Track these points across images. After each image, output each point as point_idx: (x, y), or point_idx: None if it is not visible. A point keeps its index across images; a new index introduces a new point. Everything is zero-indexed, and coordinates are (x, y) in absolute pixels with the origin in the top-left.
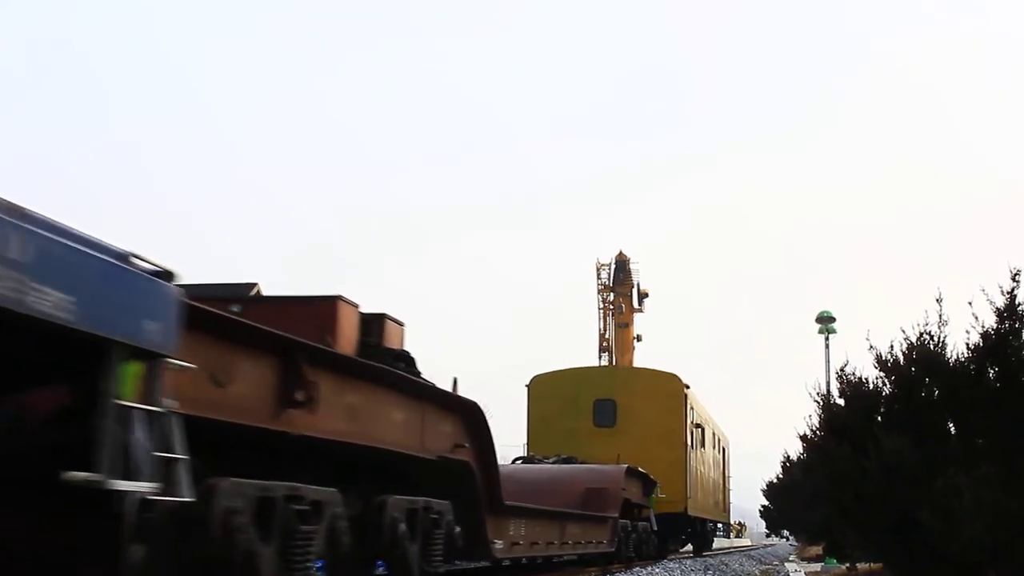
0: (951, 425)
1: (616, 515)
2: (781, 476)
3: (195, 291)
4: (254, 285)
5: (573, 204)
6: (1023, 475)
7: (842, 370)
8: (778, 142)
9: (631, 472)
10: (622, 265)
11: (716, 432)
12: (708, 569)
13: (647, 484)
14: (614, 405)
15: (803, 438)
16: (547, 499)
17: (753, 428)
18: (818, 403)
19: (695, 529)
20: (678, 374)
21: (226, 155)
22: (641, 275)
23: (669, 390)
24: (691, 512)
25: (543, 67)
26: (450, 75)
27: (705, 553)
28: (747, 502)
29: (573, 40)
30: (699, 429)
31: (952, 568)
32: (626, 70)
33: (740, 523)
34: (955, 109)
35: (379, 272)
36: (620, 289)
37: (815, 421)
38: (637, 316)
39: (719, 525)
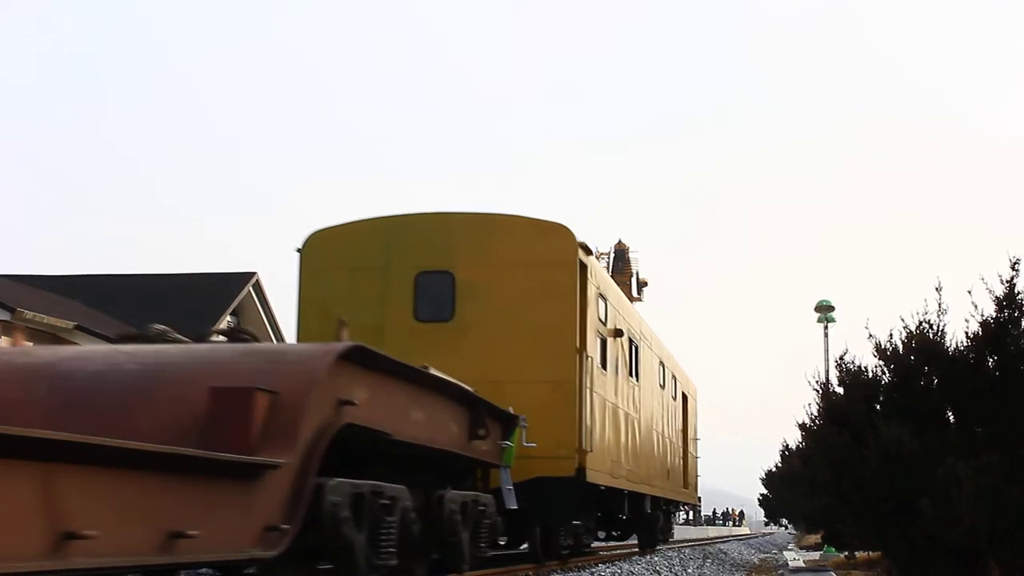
0: (950, 414)
1: (297, 461)
2: (780, 465)
3: (194, 280)
4: (253, 274)
5: (571, 199)
6: (1023, 463)
7: (841, 359)
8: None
9: (449, 389)
10: (621, 254)
11: (666, 363)
12: (707, 558)
13: (500, 422)
14: (451, 282)
15: (802, 427)
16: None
17: (753, 415)
18: (817, 392)
19: (639, 512)
20: (570, 227)
21: (231, 150)
22: (640, 264)
23: (551, 256)
24: (594, 477)
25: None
26: (450, 72)
27: (668, 547)
28: (746, 491)
29: (572, 39)
30: (620, 338)
31: (951, 556)
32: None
33: (740, 511)
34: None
35: None
36: (619, 278)
37: (814, 410)
38: (636, 305)
39: (683, 507)
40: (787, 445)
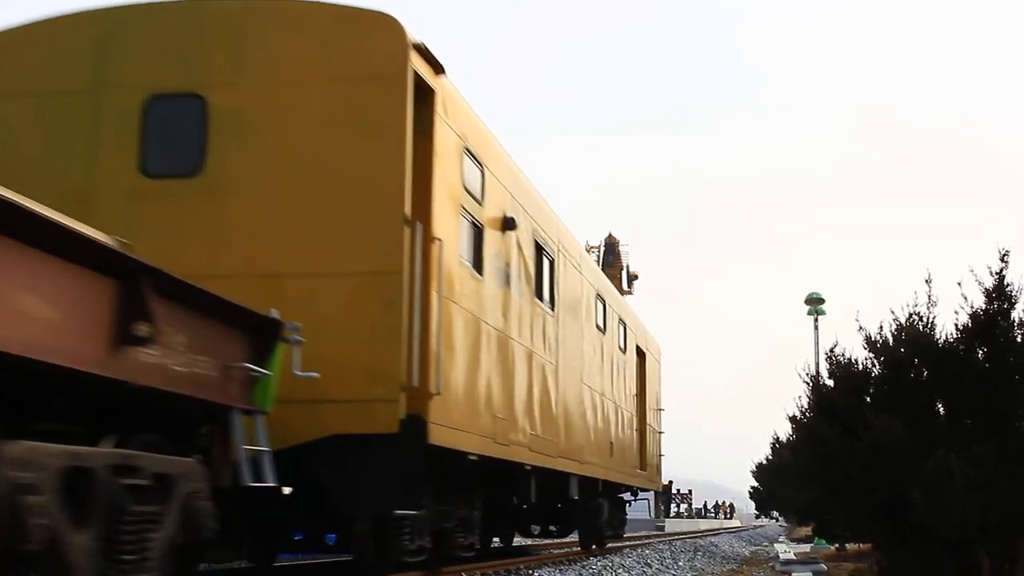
0: (940, 406)
1: None
2: (771, 458)
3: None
4: None
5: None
6: (1013, 455)
7: (831, 351)
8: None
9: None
10: (612, 248)
11: (611, 304)
12: (698, 551)
13: (244, 332)
14: (200, 112)
15: (793, 419)
16: None
17: (743, 408)
18: (808, 384)
19: (565, 499)
20: (399, 20)
21: None
22: (631, 257)
23: (364, 65)
24: (447, 438)
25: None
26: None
27: (620, 546)
28: (736, 484)
29: (568, 37)
30: (515, 234)
31: (942, 547)
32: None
33: (730, 504)
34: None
35: None
36: (610, 271)
37: (805, 402)
38: (627, 299)
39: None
40: (778, 438)
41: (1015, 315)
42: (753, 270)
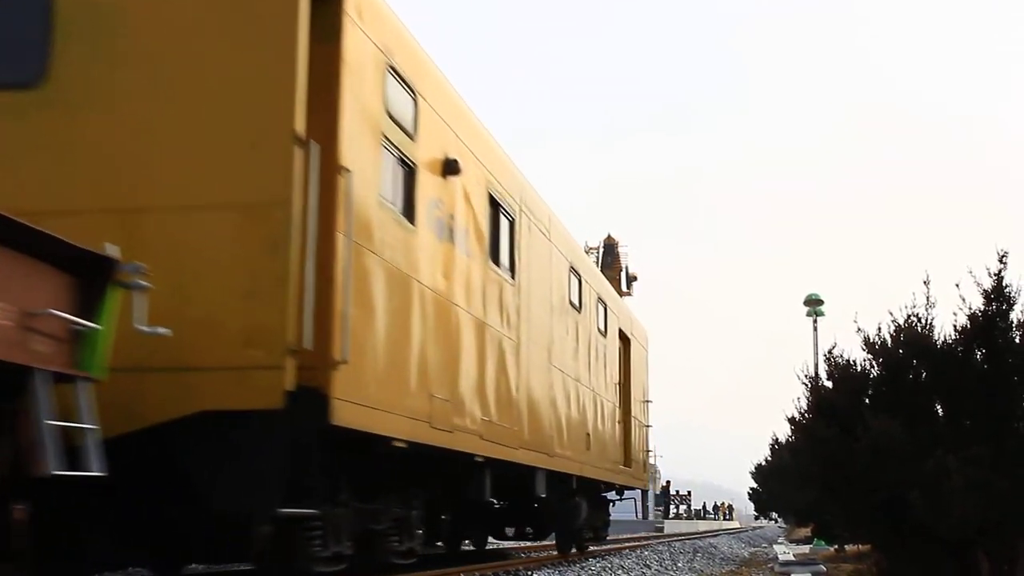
0: (939, 407)
1: None
2: (770, 459)
3: None
4: None
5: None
6: (1012, 455)
7: (830, 352)
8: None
9: None
10: (610, 248)
11: (588, 280)
12: (697, 552)
13: (77, 281)
14: (43, 3)
15: (792, 421)
16: None
17: (742, 410)
18: (806, 385)
19: (529, 495)
20: None
21: None
22: (630, 258)
23: None
24: (360, 419)
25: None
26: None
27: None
28: (736, 485)
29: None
30: (459, 180)
31: (941, 548)
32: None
33: (729, 505)
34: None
35: None
36: (609, 272)
37: (804, 404)
38: (626, 300)
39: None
40: (777, 439)
41: (1013, 316)
42: (750, 269)
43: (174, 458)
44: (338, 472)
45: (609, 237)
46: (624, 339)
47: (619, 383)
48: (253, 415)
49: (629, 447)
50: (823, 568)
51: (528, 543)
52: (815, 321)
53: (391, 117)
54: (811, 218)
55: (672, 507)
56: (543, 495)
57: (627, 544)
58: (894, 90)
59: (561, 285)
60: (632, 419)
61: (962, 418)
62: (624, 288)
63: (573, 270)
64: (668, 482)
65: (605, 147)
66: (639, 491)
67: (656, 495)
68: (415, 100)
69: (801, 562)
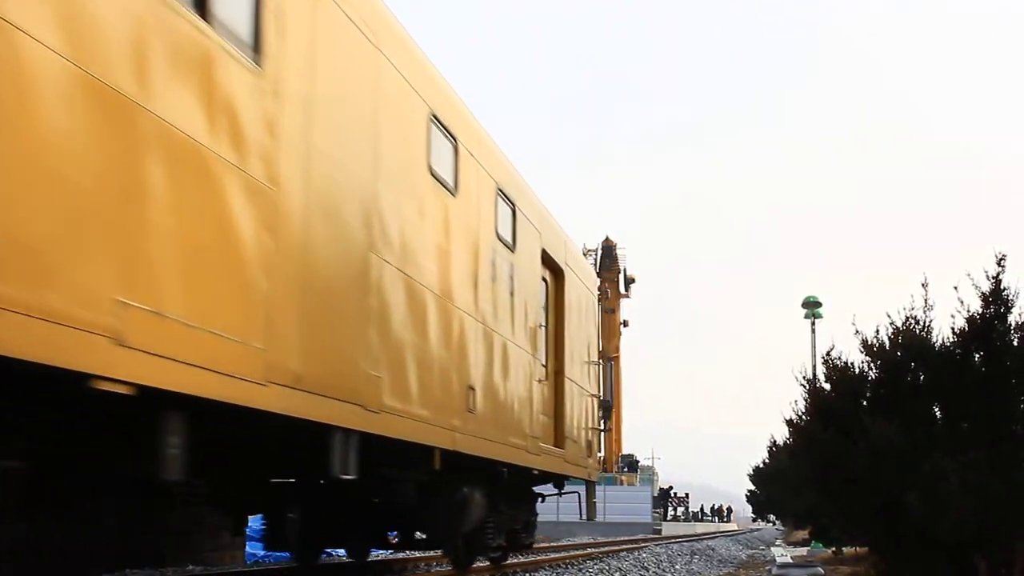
0: (937, 409)
1: None
2: (767, 461)
3: None
4: None
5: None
6: (1009, 458)
7: (828, 354)
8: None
9: None
10: (609, 251)
11: (473, 149)
12: (695, 554)
13: None
14: None
15: (789, 423)
16: None
17: (740, 412)
18: (804, 387)
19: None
20: None
21: None
22: (628, 260)
23: None
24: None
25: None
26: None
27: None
28: (733, 487)
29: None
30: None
31: (939, 551)
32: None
33: (727, 507)
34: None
35: None
36: (607, 275)
37: (801, 406)
38: (624, 302)
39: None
40: (774, 441)
41: (1012, 319)
42: (749, 271)
43: None
44: None
45: (607, 239)
46: (554, 269)
47: (543, 327)
48: None
49: (561, 419)
50: (821, 571)
51: (421, 554)
52: (813, 323)
53: None
54: (811, 219)
55: (670, 509)
56: (348, 476)
57: (624, 547)
58: (898, 101)
59: (411, 139)
60: (566, 381)
61: (960, 421)
62: (623, 290)
63: (437, 121)
64: (671, 486)
65: (604, 164)
66: (584, 483)
67: (654, 497)
68: None
69: (799, 564)
